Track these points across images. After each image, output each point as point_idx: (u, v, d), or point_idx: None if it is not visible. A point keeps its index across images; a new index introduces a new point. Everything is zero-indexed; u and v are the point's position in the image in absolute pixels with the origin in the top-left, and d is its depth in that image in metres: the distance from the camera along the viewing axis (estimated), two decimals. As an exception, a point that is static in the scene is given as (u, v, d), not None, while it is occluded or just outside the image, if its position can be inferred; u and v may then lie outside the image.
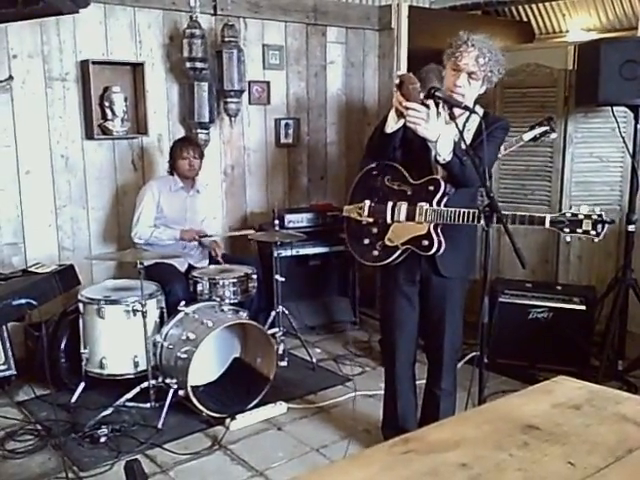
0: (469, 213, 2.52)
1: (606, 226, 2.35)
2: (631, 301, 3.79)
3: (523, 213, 2.47)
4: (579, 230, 2.37)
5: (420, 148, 2.62)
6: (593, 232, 2.35)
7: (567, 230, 2.39)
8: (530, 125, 3.74)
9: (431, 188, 2.63)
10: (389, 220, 2.72)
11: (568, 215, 2.39)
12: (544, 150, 4.23)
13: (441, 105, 2.56)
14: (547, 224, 2.41)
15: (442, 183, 2.61)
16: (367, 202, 2.79)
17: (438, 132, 2.47)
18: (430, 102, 2.49)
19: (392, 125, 2.55)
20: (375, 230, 2.76)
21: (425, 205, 2.63)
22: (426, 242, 2.63)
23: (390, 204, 2.72)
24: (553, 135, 3.75)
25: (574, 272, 4.34)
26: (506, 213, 2.45)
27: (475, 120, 2.60)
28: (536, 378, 3.48)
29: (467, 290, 2.89)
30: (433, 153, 2.59)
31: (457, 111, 2.52)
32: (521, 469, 1.11)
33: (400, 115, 2.48)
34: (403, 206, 2.69)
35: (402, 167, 2.73)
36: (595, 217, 2.35)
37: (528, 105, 4.26)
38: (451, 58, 2.56)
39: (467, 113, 2.55)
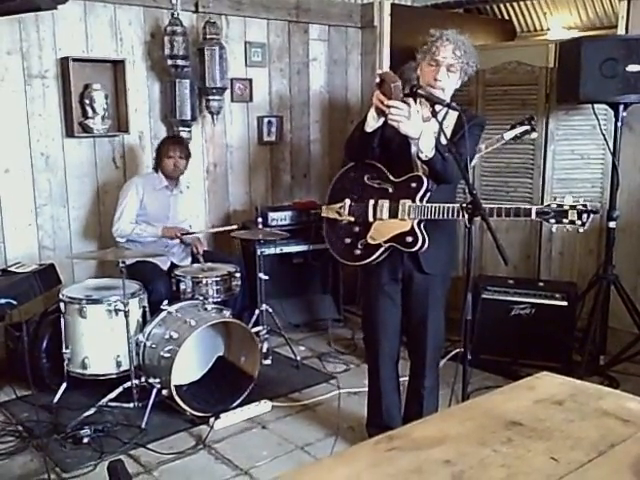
0: (453, 208, 2.54)
1: (591, 216, 2.40)
2: (612, 297, 3.83)
3: (509, 206, 2.50)
4: (565, 220, 2.41)
5: (399, 146, 2.63)
6: (579, 222, 2.40)
7: (553, 221, 2.43)
8: (511, 124, 3.77)
9: (413, 185, 2.64)
10: (371, 218, 2.72)
11: (553, 206, 2.43)
12: (526, 147, 4.25)
13: (419, 102, 2.57)
14: (533, 215, 2.45)
15: (424, 179, 2.62)
16: (347, 201, 2.79)
17: (420, 129, 2.47)
18: (410, 100, 2.51)
19: (372, 124, 2.55)
20: (357, 229, 2.76)
21: (408, 202, 2.63)
22: (410, 239, 2.64)
23: (371, 202, 2.72)
24: (534, 134, 3.77)
25: (556, 268, 4.38)
26: (492, 206, 2.49)
27: (452, 116, 2.62)
28: (519, 374, 3.50)
29: (449, 287, 2.90)
30: (413, 150, 2.60)
31: (435, 107, 2.54)
32: (505, 465, 1.11)
33: (381, 113, 2.48)
34: (385, 204, 2.69)
35: (382, 165, 2.73)
36: (580, 207, 2.40)
37: (509, 103, 4.28)
38: (427, 54, 2.57)
39: (444, 110, 2.55)
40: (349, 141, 2.76)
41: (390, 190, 2.70)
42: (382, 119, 2.51)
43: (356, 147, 2.71)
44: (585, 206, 2.40)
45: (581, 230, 2.43)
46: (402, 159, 2.67)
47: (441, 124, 2.48)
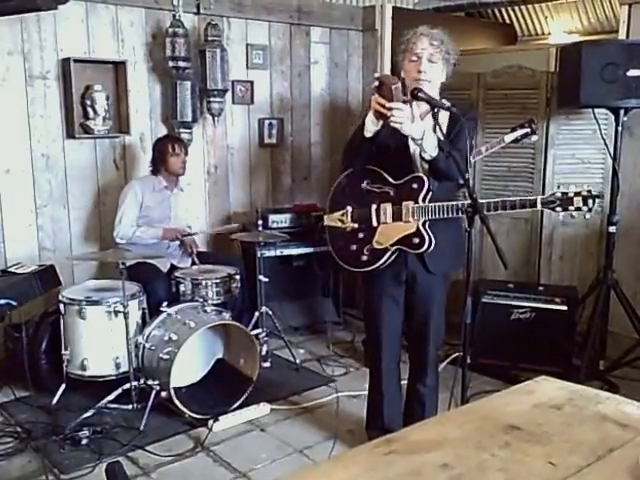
0: (457, 205, 2.54)
1: (597, 200, 2.41)
2: (612, 301, 3.82)
3: (513, 198, 2.51)
4: (571, 207, 2.41)
5: (396, 148, 2.63)
6: (585, 208, 2.40)
7: (559, 209, 2.43)
8: (511, 127, 3.77)
9: (415, 186, 2.64)
10: (375, 223, 2.72)
11: (558, 194, 2.43)
12: (526, 151, 4.25)
13: (415, 103, 2.57)
14: (539, 206, 2.45)
15: (425, 180, 2.62)
16: (349, 208, 2.78)
17: (422, 129, 2.48)
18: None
19: (371, 128, 2.56)
20: (361, 235, 2.75)
21: (411, 203, 2.63)
22: (417, 240, 2.64)
23: (374, 207, 2.72)
24: (534, 137, 3.77)
25: (556, 273, 4.37)
26: (496, 200, 2.50)
27: (445, 114, 2.60)
28: (519, 378, 3.50)
29: (449, 290, 2.91)
30: (412, 150, 2.61)
31: (426, 106, 2.55)
32: (503, 469, 1.11)
33: (380, 117, 2.48)
34: (388, 207, 2.69)
35: (379, 169, 2.72)
36: (585, 193, 2.40)
37: (510, 107, 4.28)
38: (406, 52, 2.59)
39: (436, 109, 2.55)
40: (349, 149, 2.75)
41: (391, 193, 2.69)
42: (381, 122, 2.51)
43: (356, 154, 2.70)
44: (590, 192, 2.40)
45: (587, 216, 2.44)
46: (400, 161, 2.67)
47: (437, 122, 2.47)
